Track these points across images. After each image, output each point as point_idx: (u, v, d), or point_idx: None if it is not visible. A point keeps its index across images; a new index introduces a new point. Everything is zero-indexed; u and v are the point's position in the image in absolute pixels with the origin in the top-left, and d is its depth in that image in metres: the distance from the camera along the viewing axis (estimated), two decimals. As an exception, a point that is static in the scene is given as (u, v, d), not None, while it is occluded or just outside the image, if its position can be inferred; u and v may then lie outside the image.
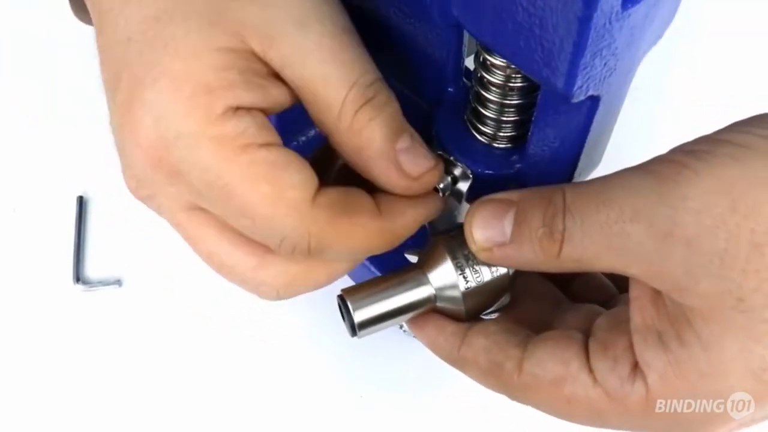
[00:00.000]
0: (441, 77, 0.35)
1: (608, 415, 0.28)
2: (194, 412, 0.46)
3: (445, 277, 0.31)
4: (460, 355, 0.31)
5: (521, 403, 0.31)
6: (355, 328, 0.30)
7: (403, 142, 0.29)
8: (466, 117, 0.34)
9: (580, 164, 0.32)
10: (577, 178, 0.33)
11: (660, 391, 0.27)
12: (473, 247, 0.30)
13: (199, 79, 0.26)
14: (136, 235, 0.52)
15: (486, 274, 0.32)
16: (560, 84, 0.26)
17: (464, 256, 0.31)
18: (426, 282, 0.31)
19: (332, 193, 0.28)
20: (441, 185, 0.32)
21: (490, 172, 0.34)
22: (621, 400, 0.27)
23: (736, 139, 0.25)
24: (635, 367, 0.27)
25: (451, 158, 0.32)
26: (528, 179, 0.33)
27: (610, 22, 0.24)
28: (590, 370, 0.28)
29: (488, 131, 0.33)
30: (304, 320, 0.49)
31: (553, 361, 0.29)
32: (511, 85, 0.31)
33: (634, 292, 0.28)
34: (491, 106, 0.32)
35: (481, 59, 0.31)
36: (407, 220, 0.30)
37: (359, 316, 0.30)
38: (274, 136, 0.28)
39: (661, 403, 0.27)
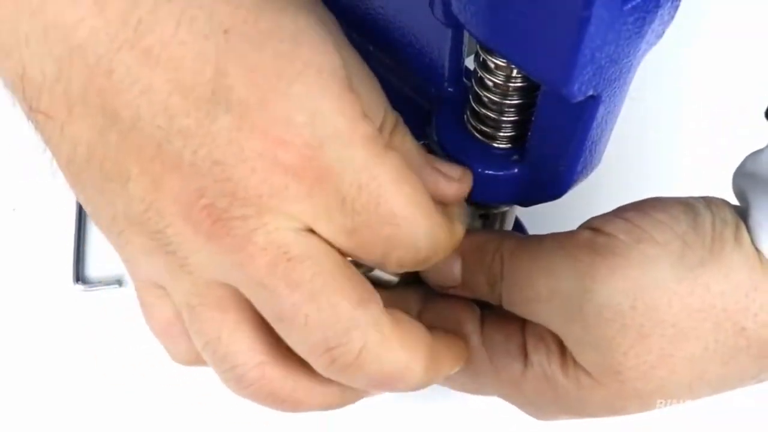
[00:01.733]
0: (441, 77, 0.35)
1: (482, 377, 0.33)
2: (193, 411, 0.46)
3: None
4: None
5: None
6: None
7: (429, 159, 0.31)
8: (465, 117, 0.34)
9: (580, 164, 0.32)
10: (577, 178, 0.33)
11: (531, 383, 0.32)
12: (431, 286, 0.34)
13: (340, 75, 0.25)
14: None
15: None
16: (560, 84, 0.26)
17: None
18: None
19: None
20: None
21: (490, 172, 0.34)
22: (499, 368, 0.32)
23: (656, 234, 0.29)
24: (522, 348, 0.32)
25: None
26: (528, 179, 0.33)
27: (610, 22, 0.24)
28: (481, 333, 0.33)
29: (488, 131, 0.33)
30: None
31: (449, 317, 0.33)
32: (511, 85, 0.31)
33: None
34: (491, 106, 0.32)
35: (481, 59, 0.31)
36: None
37: None
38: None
39: (530, 392, 0.32)
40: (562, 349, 0.31)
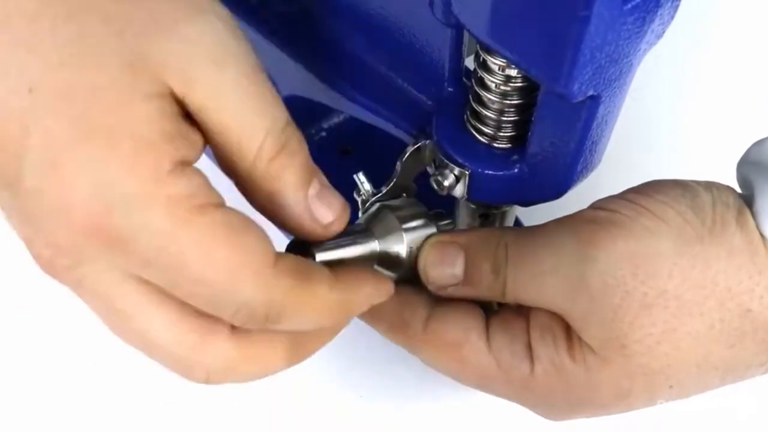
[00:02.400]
0: (441, 77, 0.35)
1: (494, 382, 0.33)
2: (193, 410, 0.46)
3: (393, 242, 0.34)
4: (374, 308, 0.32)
5: (418, 357, 0.35)
6: None
7: (314, 188, 0.28)
8: (465, 117, 0.34)
9: (580, 164, 0.32)
10: (577, 178, 0.33)
11: (541, 379, 0.31)
12: (430, 288, 0.34)
13: (138, 133, 0.23)
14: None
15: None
16: (560, 84, 0.26)
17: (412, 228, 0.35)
18: (374, 242, 0.34)
19: (291, 260, 0.26)
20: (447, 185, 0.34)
21: (490, 172, 0.34)
22: (507, 372, 0.32)
23: (656, 211, 0.30)
24: (528, 348, 0.32)
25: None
26: (528, 179, 0.33)
27: (610, 22, 0.24)
28: (487, 340, 0.33)
29: (488, 131, 0.33)
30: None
31: (456, 325, 0.33)
32: (511, 85, 0.31)
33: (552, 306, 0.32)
34: (491, 106, 0.32)
35: (481, 59, 0.31)
36: (361, 298, 0.29)
37: (321, 257, 0.30)
38: (220, 195, 0.25)
39: (540, 388, 0.32)
40: (569, 333, 0.31)
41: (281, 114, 0.27)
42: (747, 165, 0.31)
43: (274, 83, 0.45)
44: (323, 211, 0.28)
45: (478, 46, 0.31)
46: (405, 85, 0.37)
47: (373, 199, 0.36)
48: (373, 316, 0.34)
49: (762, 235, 0.29)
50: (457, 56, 0.34)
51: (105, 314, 0.26)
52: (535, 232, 0.32)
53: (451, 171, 0.34)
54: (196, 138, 0.25)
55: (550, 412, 0.34)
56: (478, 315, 0.33)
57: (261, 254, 0.25)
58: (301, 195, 0.27)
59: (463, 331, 0.33)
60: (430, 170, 0.36)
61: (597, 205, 0.32)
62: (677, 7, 0.29)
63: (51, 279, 0.26)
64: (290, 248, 0.31)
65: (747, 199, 0.30)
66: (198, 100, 0.25)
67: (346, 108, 0.40)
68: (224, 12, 0.26)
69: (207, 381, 0.27)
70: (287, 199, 0.27)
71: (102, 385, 0.47)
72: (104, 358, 0.48)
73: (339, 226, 0.29)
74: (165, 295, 0.25)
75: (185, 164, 0.24)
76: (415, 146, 0.35)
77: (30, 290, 0.50)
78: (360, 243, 0.33)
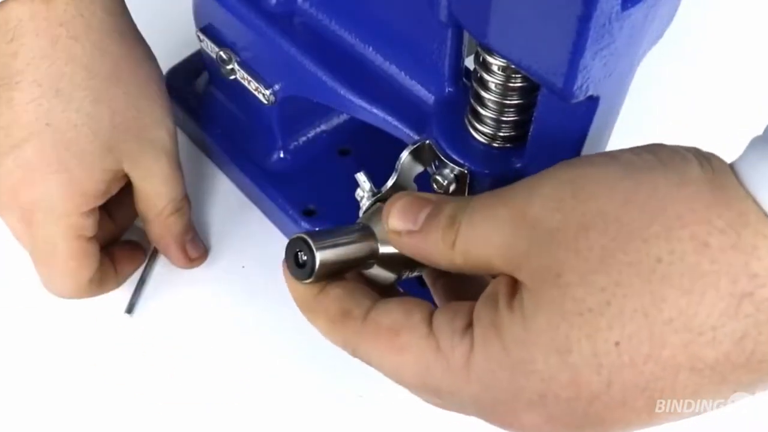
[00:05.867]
0: (440, 77, 0.35)
1: (433, 370, 0.28)
2: (193, 410, 0.46)
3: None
4: (316, 300, 0.32)
5: (359, 358, 0.31)
6: (312, 270, 0.31)
7: (188, 237, 0.49)
8: (465, 117, 0.34)
9: (580, 164, 0.32)
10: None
11: (480, 345, 0.27)
12: (386, 228, 0.32)
13: (86, 187, 0.41)
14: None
15: None
16: (560, 84, 0.26)
17: None
18: (374, 242, 0.33)
19: (98, 272, 0.46)
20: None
21: (490, 172, 0.34)
22: (447, 353, 0.28)
23: (611, 153, 0.28)
24: (469, 325, 0.28)
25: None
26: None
27: (609, 22, 0.24)
28: (429, 323, 0.29)
29: (488, 131, 0.34)
30: (305, 320, 0.49)
31: (397, 310, 0.30)
32: (511, 85, 0.31)
33: (496, 278, 0.29)
34: (491, 106, 0.32)
35: (481, 59, 0.31)
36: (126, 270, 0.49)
37: (322, 256, 0.31)
38: (95, 230, 0.43)
39: (479, 363, 0.27)
40: (513, 289, 0.28)
41: (181, 189, 0.46)
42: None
43: (275, 83, 0.45)
44: (193, 250, 0.49)
45: (478, 46, 0.31)
46: (405, 85, 0.37)
47: (374, 199, 0.36)
48: (315, 312, 0.32)
49: (735, 172, 0.25)
50: (457, 56, 0.34)
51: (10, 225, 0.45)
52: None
53: (451, 171, 0.34)
54: (114, 190, 0.44)
55: (495, 408, 0.28)
56: (425, 304, 0.31)
57: (85, 270, 0.44)
58: (180, 240, 0.48)
59: (403, 315, 0.30)
60: (430, 170, 0.36)
61: None
62: (677, 7, 0.29)
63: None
64: (291, 244, 0.31)
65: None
66: (136, 177, 0.44)
67: (346, 108, 0.40)
68: (172, 125, 0.45)
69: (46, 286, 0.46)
70: (173, 240, 0.48)
71: (101, 385, 0.47)
72: (103, 358, 0.48)
73: (201, 261, 0.50)
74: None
75: (94, 209, 0.43)
76: (415, 146, 0.35)
77: (29, 291, 0.50)
78: (359, 242, 0.33)
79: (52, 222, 0.41)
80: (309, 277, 0.31)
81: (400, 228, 0.31)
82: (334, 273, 0.32)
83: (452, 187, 0.34)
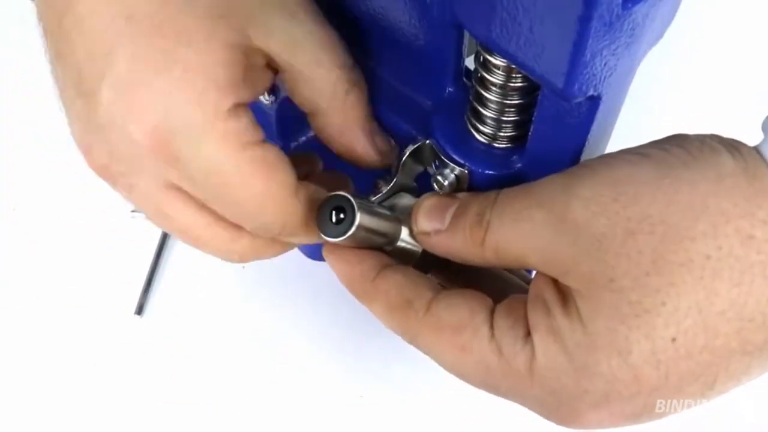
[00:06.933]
0: (441, 77, 0.35)
1: (494, 372, 0.30)
2: (194, 410, 0.46)
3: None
4: (373, 284, 0.32)
5: (416, 347, 0.32)
6: (348, 228, 0.31)
7: (374, 125, 0.36)
8: (466, 117, 0.34)
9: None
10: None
11: (541, 352, 0.28)
12: (415, 230, 0.33)
13: (212, 74, 0.28)
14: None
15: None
16: (560, 84, 0.26)
17: None
18: (399, 228, 0.34)
19: (309, 190, 0.32)
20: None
21: (490, 172, 0.34)
22: (509, 359, 0.29)
23: (639, 149, 0.28)
24: (528, 333, 0.29)
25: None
26: (528, 179, 0.33)
27: (610, 22, 0.24)
28: (491, 326, 0.30)
29: (488, 131, 0.34)
30: (305, 320, 0.49)
31: (462, 307, 0.31)
32: (511, 85, 0.31)
33: (535, 279, 0.30)
34: (491, 106, 0.32)
35: (481, 59, 0.31)
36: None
37: (361, 218, 0.31)
38: (262, 133, 0.31)
39: (542, 369, 0.28)
40: (560, 292, 0.29)
41: (347, 54, 0.33)
42: None
43: (275, 83, 0.45)
44: (381, 142, 0.36)
45: (478, 45, 0.31)
46: (405, 84, 0.37)
47: (374, 199, 0.36)
48: (372, 296, 0.32)
49: (763, 157, 0.26)
50: (458, 56, 0.34)
51: (153, 215, 0.32)
52: (528, 183, 0.30)
53: (452, 171, 0.34)
54: (263, 83, 0.31)
55: (558, 409, 0.29)
56: (485, 301, 0.31)
57: (286, 187, 0.31)
58: (368, 128, 0.35)
59: (468, 314, 0.30)
60: (430, 170, 0.36)
61: None
62: (677, 7, 0.29)
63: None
64: (329, 200, 0.32)
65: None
66: (277, 46, 0.30)
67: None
68: None
69: (244, 262, 0.34)
70: (358, 131, 0.34)
71: (112, 386, 0.47)
72: (114, 359, 0.48)
73: (390, 158, 0.36)
74: (201, 204, 0.31)
75: (241, 106, 0.29)
76: (415, 146, 0.35)
77: (29, 291, 0.50)
78: (391, 221, 0.33)
79: (201, 140, 0.28)
80: (342, 236, 0.31)
81: (428, 228, 0.32)
82: (360, 241, 0.32)
83: (453, 187, 0.34)
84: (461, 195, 0.32)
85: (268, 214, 0.31)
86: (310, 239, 0.33)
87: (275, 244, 0.34)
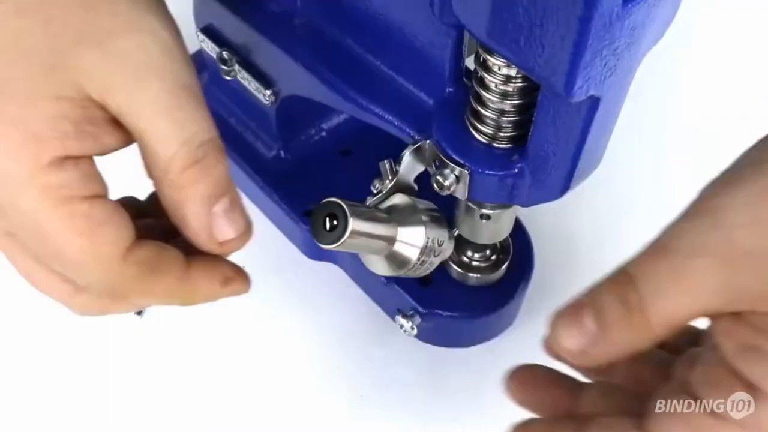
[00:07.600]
0: (441, 77, 0.35)
1: None
2: (194, 410, 0.46)
3: (414, 237, 0.35)
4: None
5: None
6: (342, 234, 0.32)
7: (222, 205, 0.30)
8: (466, 117, 0.34)
9: (580, 164, 0.32)
10: (577, 179, 0.33)
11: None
12: (568, 358, 0.29)
13: (32, 127, 0.27)
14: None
15: (435, 261, 0.37)
16: (560, 84, 0.26)
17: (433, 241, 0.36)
18: (395, 229, 0.34)
19: (145, 250, 0.29)
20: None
21: (490, 172, 0.34)
22: (756, 427, 0.26)
23: (753, 164, 0.26)
24: (750, 389, 0.26)
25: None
26: (528, 179, 0.33)
27: (610, 22, 0.24)
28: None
29: (488, 131, 0.33)
30: (305, 320, 0.49)
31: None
32: (511, 85, 0.31)
33: (714, 326, 0.27)
34: (491, 106, 0.32)
35: (481, 59, 0.31)
36: (209, 292, 0.32)
37: (354, 224, 0.32)
38: (98, 187, 0.29)
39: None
40: (746, 329, 0.26)
41: (203, 128, 0.29)
42: None
43: (275, 83, 0.45)
44: (225, 228, 0.30)
45: (478, 46, 0.31)
46: (405, 85, 0.37)
47: (374, 199, 0.36)
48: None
49: None
50: (458, 56, 0.34)
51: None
52: (645, 246, 0.28)
53: (452, 171, 0.34)
54: (110, 138, 0.29)
55: None
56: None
57: (113, 246, 0.28)
58: (204, 210, 0.30)
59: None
60: (430, 170, 0.36)
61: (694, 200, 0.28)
62: (677, 7, 0.29)
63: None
64: (323, 207, 0.32)
65: None
66: (115, 106, 0.28)
67: (346, 108, 0.40)
68: (164, 34, 0.29)
69: (84, 315, 0.32)
70: (189, 211, 0.29)
71: (113, 386, 0.47)
72: (115, 360, 0.48)
73: (238, 245, 0.31)
74: (36, 255, 0.29)
75: (70, 160, 0.27)
76: (416, 146, 0.35)
77: (29, 291, 0.50)
78: (386, 223, 0.34)
79: (18, 193, 0.27)
80: (336, 242, 0.31)
81: (578, 350, 0.28)
82: (357, 246, 0.33)
83: (453, 187, 0.34)
84: (581, 297, 0.28)
85: (92, 274, 0.29)
86: (154, 301, 0.32)
87: (122, 302, 0.31)
